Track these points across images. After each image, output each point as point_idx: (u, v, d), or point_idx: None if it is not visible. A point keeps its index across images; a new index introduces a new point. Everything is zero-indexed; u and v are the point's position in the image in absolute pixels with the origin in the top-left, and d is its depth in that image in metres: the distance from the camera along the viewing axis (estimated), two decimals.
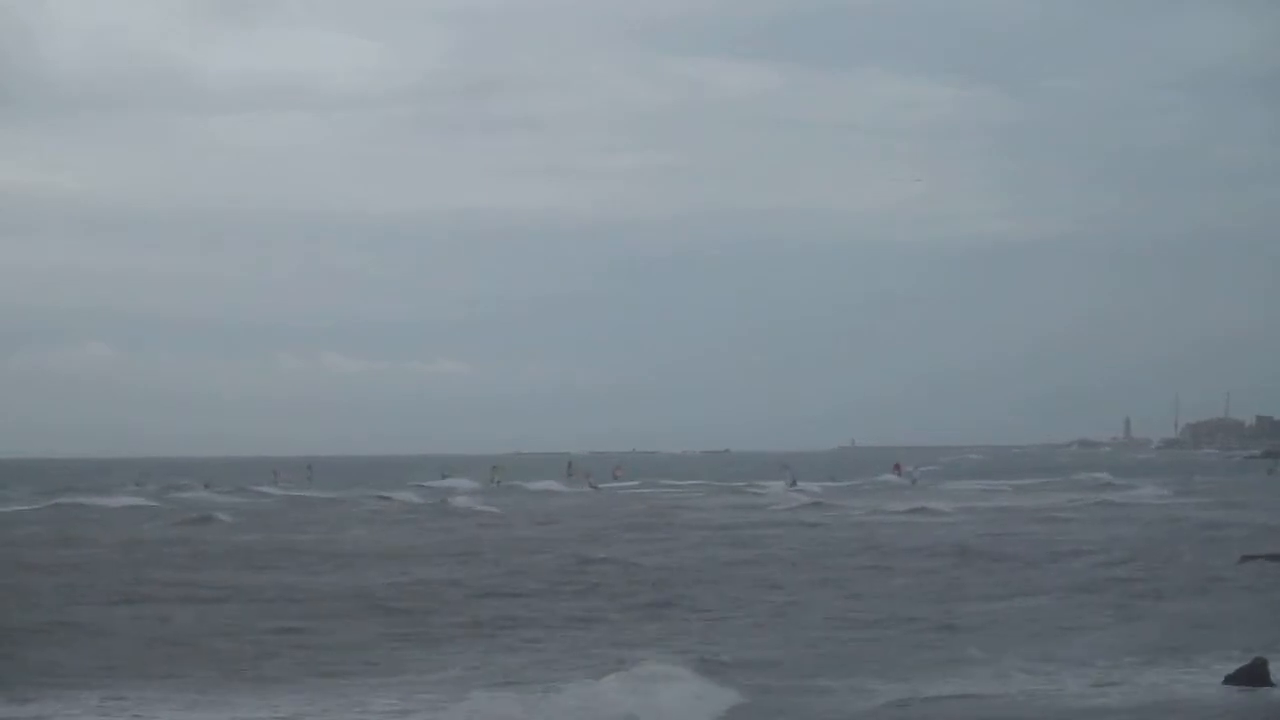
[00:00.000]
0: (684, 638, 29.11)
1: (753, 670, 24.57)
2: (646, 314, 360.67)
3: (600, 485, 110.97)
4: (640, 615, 33.01)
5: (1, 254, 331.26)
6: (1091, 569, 40.98)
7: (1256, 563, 39.49)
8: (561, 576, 40.29)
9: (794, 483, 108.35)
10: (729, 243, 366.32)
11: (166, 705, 22.48)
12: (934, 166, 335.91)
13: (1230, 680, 22.59)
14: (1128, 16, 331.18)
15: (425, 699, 22.51)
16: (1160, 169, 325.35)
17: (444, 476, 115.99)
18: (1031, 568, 41.85)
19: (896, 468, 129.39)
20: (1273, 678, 22.41)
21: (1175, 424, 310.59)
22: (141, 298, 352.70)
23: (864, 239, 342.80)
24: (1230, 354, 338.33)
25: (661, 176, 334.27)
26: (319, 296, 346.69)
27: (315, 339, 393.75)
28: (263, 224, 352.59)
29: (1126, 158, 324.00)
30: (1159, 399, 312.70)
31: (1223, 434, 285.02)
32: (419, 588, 38.37)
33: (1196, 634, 28.14)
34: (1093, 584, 37.23)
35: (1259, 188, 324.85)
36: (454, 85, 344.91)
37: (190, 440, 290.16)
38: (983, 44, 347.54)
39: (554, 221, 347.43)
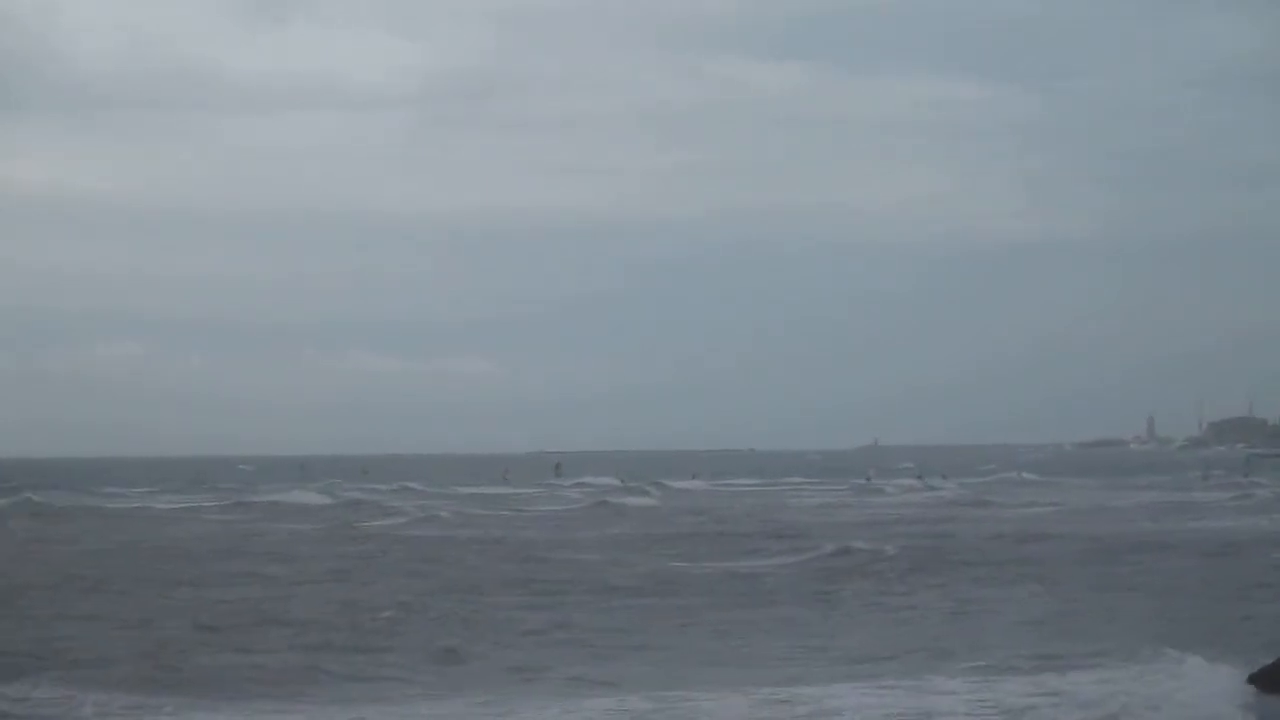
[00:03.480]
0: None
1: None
2: (671, 313, 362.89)
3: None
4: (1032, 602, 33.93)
5: (29, 253, 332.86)
6: None
7: None
8: (881, 562, 42.45)
9: (920, 478, 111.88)
10: (755, 241, 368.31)
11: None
12: (959, 165, 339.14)
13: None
14: (1151, 14, 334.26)
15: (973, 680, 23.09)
16: (1184, 166, 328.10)
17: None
18: None
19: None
20: None
21: (1199, 423, 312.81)
22: (168, 297, 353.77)
23: (887, 237, 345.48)
24: (1253, 353, 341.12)
25: (689, 175, 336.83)
26: (345, 295, 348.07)
27: (340, 338, 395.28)
28: (291, 223, 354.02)
29: (1150, 155, 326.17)
30: (1181, 398, 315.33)
31: (1246, 433, 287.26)
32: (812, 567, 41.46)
33: None
34: None
35: None
36: (483, 85, 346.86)
37: (217, 440, 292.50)
38: (1008, 43, 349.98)
39: (581, 220, 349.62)
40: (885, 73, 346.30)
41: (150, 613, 32.12)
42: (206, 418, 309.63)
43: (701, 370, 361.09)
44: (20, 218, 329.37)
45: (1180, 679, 22.42)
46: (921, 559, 43.16)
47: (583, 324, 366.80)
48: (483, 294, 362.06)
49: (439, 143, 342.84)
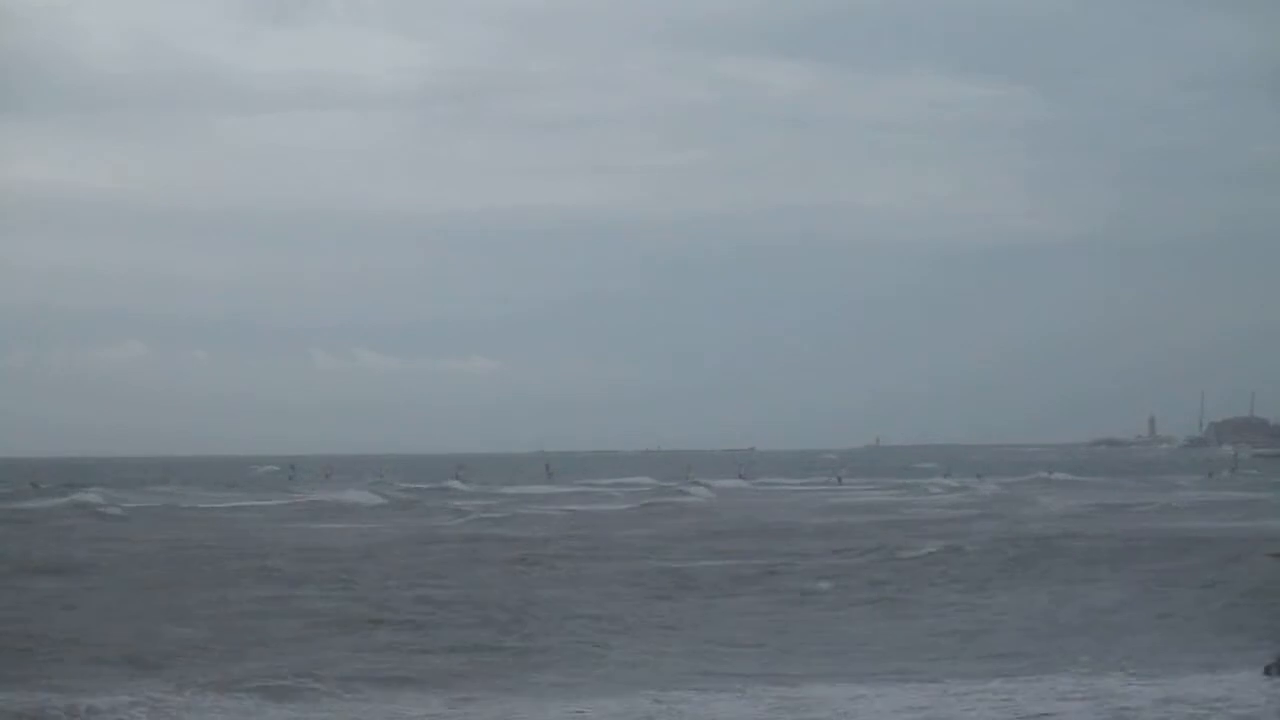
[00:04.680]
0: None
1: None
2: (673, 313, 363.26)
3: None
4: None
5: (35, 253, 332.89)
6: None
7: None
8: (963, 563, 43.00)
9: (948, 475, 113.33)
10: (760, 241, 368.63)
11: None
12: (963, 164, 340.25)
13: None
14: (1154, 14, 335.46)
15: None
16: (1187, 166, 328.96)
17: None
18: None
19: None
20: None
21: (1200, 423, 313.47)
22: (168, 297, 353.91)
23: (890, 237, 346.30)
24: (1256, 353, 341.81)
25: (691, 175, 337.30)
26: (346, 295, 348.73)
27: (340, 337, 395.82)
28: (298, 223, 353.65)
29: (1153, 155, 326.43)
30: (1183, 398, 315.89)
31: (1247, 432, 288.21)
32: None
33: None
34: None
35: None
36: (485, 84, 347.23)
37: (217, 440, 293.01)
38: (1012, 43, 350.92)
39: (583, 220, 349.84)
40: (890, 73, 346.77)
41: (282, 611, 32.71)
42: (206, 418, 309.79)
43: (702, 370, 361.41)
44: (21, 218, 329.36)
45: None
46: (998, 556, 43.64)
47: (584, 324, 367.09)
48: (484, 294, 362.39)
49: (442, 142, 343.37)
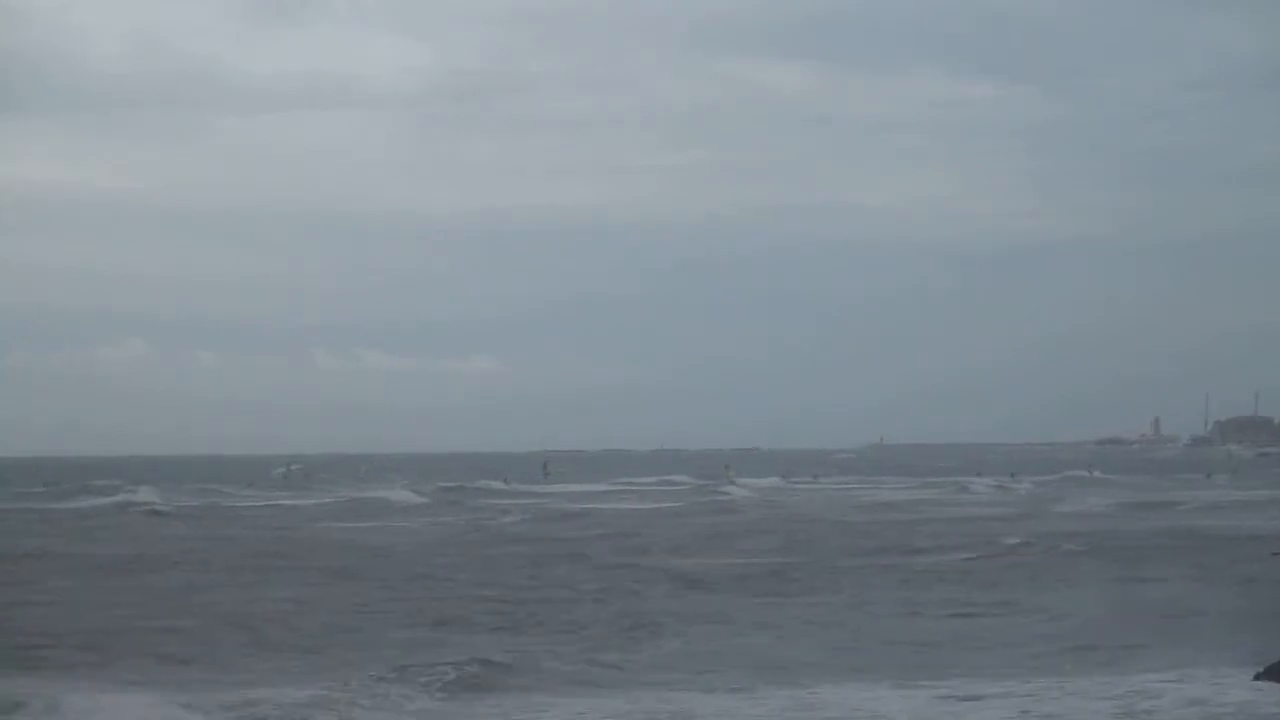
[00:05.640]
0: None
1: None
2: (675, 312, 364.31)
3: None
4: None
5: (35, 253, 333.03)
6: None
7: None
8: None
9: (979, 474, 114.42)
10: (760, 242, 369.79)
11: None
12: (966, 164, 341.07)
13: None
14: (1158, 14, 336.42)
15: None
16: (1191, 166, 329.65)
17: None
18: None
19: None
20: None
21: (1205, 422, 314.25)
22: (168, 297, 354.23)
23: (894, 237, 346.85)
24: (1260, 352, 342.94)
25: (694, 175, 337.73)
26: (353, 295, 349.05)
27: (350, 338, 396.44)
28: (298, 223, 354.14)
29: (1157, 155, 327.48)
30: (1187, 397, 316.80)
31: (1251, 431, 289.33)
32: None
33: None
34: None
35: None
36: (493, 84, 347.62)
37: (217, 440, 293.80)
38: (1014, 43, 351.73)
39: (586, 219, 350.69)
40: (890, 73, 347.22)
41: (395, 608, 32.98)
42: (207, 418, 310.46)
43: (702, 369, 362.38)
44: (21, 218, 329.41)
45: None
46: (1035, 557, 43.97)
47: (584, 324, 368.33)
48: (486, 294, 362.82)
49: (442, 142, 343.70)
